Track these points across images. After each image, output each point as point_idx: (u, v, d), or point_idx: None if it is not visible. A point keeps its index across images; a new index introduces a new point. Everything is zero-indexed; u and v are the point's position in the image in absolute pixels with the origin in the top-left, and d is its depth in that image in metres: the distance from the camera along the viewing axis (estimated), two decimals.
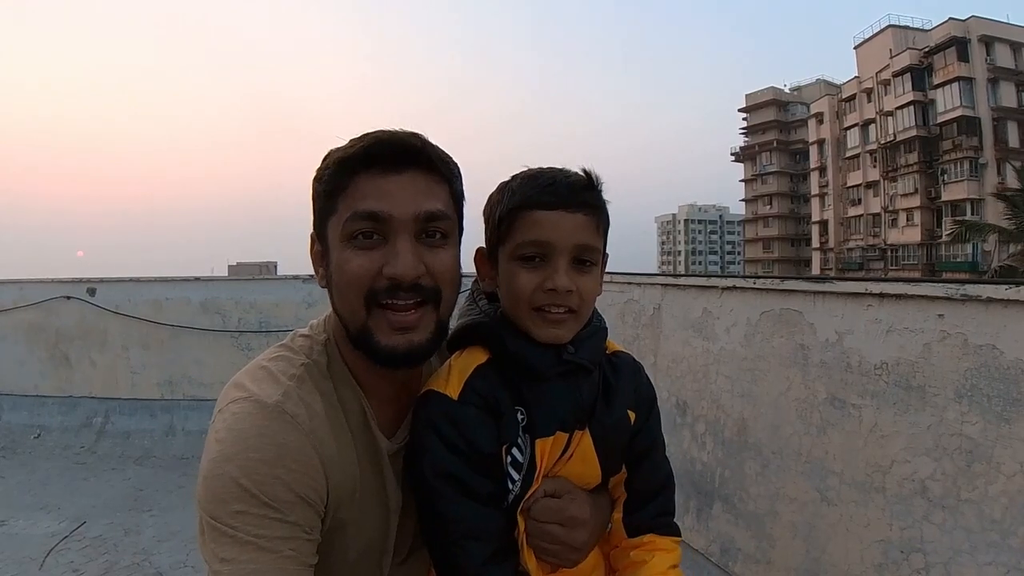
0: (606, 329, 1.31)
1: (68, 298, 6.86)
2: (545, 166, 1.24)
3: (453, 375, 1.19)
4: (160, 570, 3.99)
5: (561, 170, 1.22)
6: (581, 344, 1.21)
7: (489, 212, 1.23)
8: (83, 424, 6.59)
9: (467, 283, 1.28)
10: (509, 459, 1.17)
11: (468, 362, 1.21)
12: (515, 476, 1.17)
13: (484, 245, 1.27)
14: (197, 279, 7.02)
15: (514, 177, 1.23)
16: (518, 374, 1.19)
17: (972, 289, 2.11)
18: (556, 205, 1.16)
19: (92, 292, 6.82)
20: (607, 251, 1.27)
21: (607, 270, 1.32)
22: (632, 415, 1.30)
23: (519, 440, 1.17)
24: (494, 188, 1.25)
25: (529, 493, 1.20)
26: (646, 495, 1.32)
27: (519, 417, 1.17)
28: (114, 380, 6.76)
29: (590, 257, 1.19)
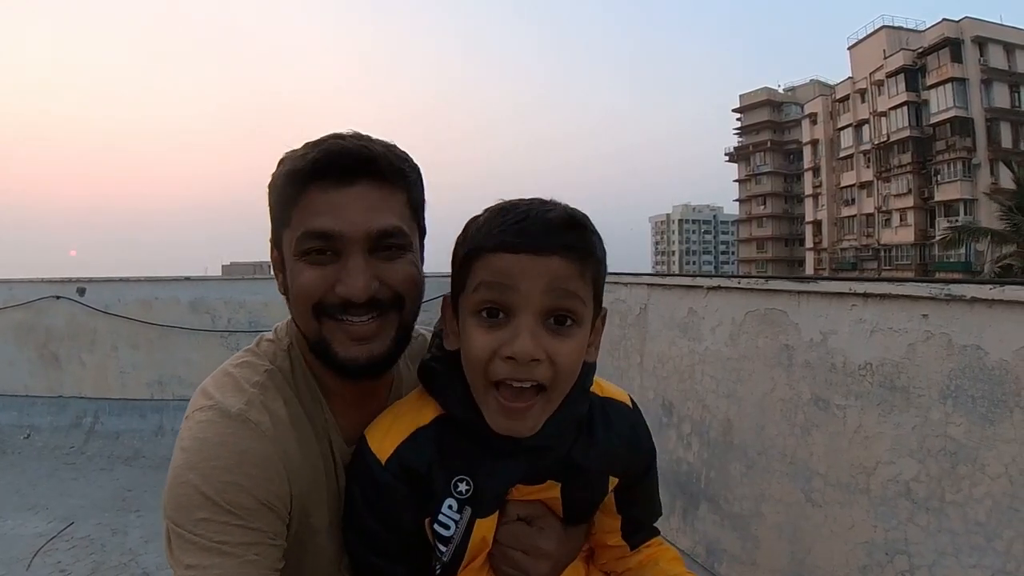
0: (588, 388, 1.12)
1: (57, 298, 6.84)
2: (527, 197, 1.02)
3: (393, 430, 1.09)
4: (147, 570, 3.98)
5: (541, 202, 1.00)
6: (548, 421, 1.02)
7: (454, 253, 1.05)
8: (72, 424, 6.58)
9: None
10: (433, 532, 1.08)
11: (414, 418, 1.09)
12: (443, 548, 1.08)
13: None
14: (187, 279, 7.03)
15: (486, 210, 1.03)
16: (469, 440, 1.05)
17: (956, 289, 2.11)
18: (523, 247, 0.94)
19: (82, 292, 6.81)
20: (605, 307, 1.07)
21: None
22: (614, 480, 1.16)
23: (441, 517, 1.07)
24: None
25: (466, 562, 1.10)
26: (639, 527, 1.25)
27: (463, 488, 1.05)
28: (104, 380, 6.74)
29: (571, 312, 0.97)
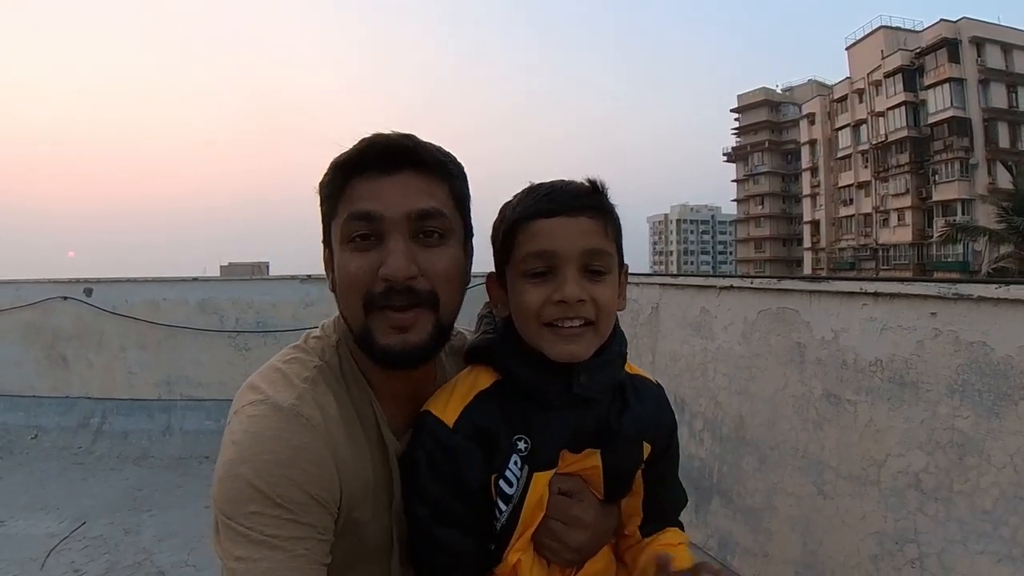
0: (624, 354, 1.23)
1: (65, 298, 6.87)
2: (547, 180, 1.17)
3: (454, 398, 1.17)
4: (161, 569, 4.01)
5: (562, 180, 1.16)
6: (595, 374, 1.14)
7: (494, 234, 1.19)
8: (80, 424, 6.61)
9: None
10: (497, 490, 1.14)
11: (472, 385, 1.18)
12: (503, 507, 1.14)
13: (494, 270, 1.21)
14: (195, 279, 7.05)
15: (516, 195, 1.18)
16: (525, 400, 1.15)
17: (964, 288, 2.16)
18: (557, 211, 1.10)
19: (89, 292, 6.83)
20: (625, 261, 1.20)
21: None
22: (647, 446, 1.25)
23: (507, 473, 1.14)
24: (496, 207, 1.20)
25: (521, 530, 1.16)
26: (661, 515, 1.32)
27: (522, 446, 1.14)
28: (111, 380, 6.78)
29: (602, 264, 1.12)
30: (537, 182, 1.18)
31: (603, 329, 1.14)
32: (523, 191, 1.17)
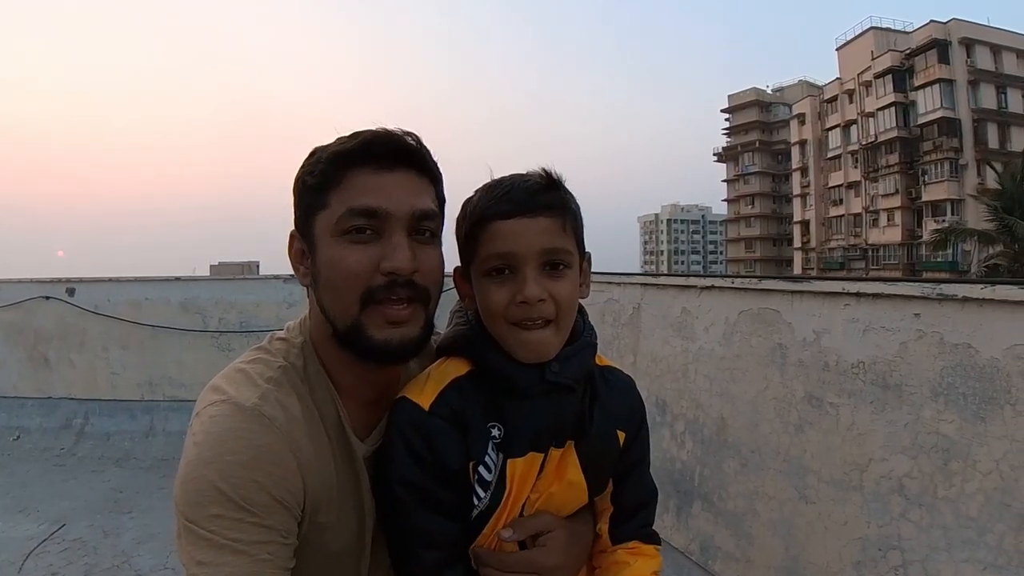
0: (595, 344, 1.25)
1: (47, 298, 6.82)
2: (506, 174, 1.19)
3: (429, 384, 1.18)
4: (140, 572, 3.98)
5: (520, 175, 1.18)
6: (566, 362, 1.16)
7: (457, 231, 1.20)
8: (62, 425, 6.56)
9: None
10: (476, 476, 1.15)
11: (446, 372, 1.19)
12: (481, 493, 1.15)
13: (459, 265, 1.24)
14: (177, 279, 6.99)
15: (475, 191, 1.20)
16: (499, 389, 1.16)
17: (948, 288, 2.13)
18: (514, 212, 1.12)
19: (71, 292, 6.78)
20: (588, 251, 1.22)
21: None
22: (622, 435, 1.28)
23: (486, 459, 1.15)
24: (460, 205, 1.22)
25: (492, 527, 1.18)
26: (632, 510, 1.32)
27: (495, 433, 1.15)
28: (94, 381, 6.72)
29: (561, 260, 1.14)
30: (496, 178, 1.19)
31: (564, 324, 1.16)
32: (482, 188, 1.19)
